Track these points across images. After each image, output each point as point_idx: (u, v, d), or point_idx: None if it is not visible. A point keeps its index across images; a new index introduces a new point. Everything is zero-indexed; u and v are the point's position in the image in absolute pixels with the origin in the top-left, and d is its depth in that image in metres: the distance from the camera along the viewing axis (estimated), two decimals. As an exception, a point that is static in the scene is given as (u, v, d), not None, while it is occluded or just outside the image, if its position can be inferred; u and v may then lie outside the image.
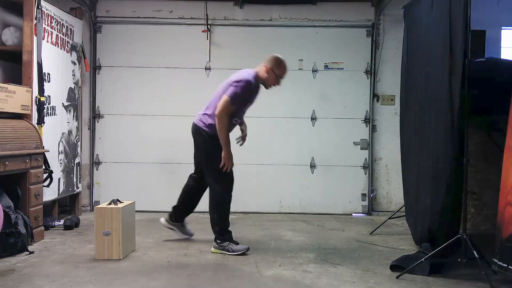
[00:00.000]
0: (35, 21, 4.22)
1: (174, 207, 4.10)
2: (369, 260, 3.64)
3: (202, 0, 5.57)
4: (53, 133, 4.70)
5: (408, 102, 4.18)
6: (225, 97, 3.62)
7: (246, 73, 3.71)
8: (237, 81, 3.65)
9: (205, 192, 4.01)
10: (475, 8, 3.30)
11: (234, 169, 3.79)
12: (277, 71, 3.73)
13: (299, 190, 5.69)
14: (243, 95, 3.68)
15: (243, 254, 3.69)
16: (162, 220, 4.14)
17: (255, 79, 3.70)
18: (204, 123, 3.75)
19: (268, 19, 5.72)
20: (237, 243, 3.76)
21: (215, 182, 3.75)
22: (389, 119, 5.68)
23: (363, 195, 5.70)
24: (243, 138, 4.06)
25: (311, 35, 5.70)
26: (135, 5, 5.70)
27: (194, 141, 3.87)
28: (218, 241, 3.76)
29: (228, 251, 3.71)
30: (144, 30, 5.68)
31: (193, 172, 4.05)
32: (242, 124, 4.04)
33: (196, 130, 3.80)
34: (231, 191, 3.81)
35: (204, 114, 3.79)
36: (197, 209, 5.39)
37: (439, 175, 3.45)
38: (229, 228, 3.82)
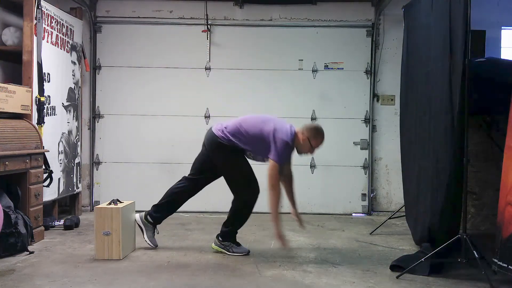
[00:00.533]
0: (35, 21, 4.22)
1: (156, 206, 3.86)
2: (369, 260, 3.64)
3: (202, 0, 5.57)
4: (53, 133, 4.70)
5: (408, 102, 4.18)
6: (272, 164, 3.53)
7: (285, 132, 3.57)
8: (278, 141, 3.53)
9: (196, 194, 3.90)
10: (475, 8, 3.30)
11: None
12: (313, 142, 3.65)
13: (299, 190, 5.64)
14: (287, 154, 3.65)
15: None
16: (137, 216, 3.87)
17: (292, 141, 3.61)
18: (223, 135, 3.63)
19: (268, 19, 5.72)
20: (239, 245, 3.75)
21: (239, 188, 3.70)
22: (389, 119, 5.67)
23: (363, 195, 5.70)
24: (301, 223, 4.00)
25: (311, 35, 5.70)
26: (135, 5, 5.70)
27: (206, 148, 3.72)
28: (220, 238, 3.76)
29: (228, 251, 3.71)
30: (144, 30, 5.68)
31: (188, 174, 3.88)
32: (294, 204, 3.99)
33: (213, 139, 3.66)
34: (256, 197, 3.73)
35: (226, 127, 3.66)
36: (197, 209, 5.36)
37: (439, 175, 3.45)
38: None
